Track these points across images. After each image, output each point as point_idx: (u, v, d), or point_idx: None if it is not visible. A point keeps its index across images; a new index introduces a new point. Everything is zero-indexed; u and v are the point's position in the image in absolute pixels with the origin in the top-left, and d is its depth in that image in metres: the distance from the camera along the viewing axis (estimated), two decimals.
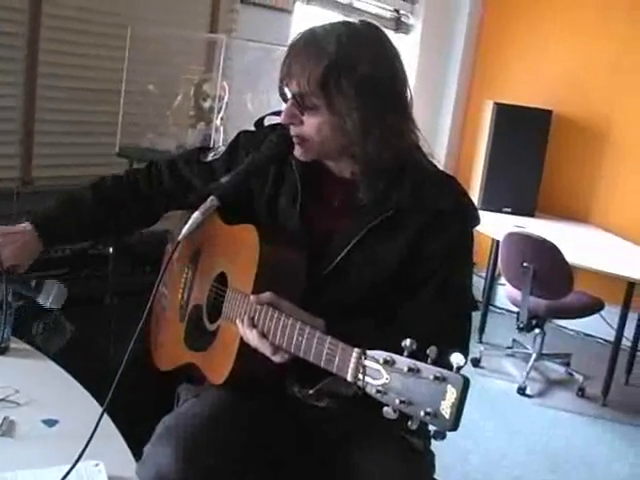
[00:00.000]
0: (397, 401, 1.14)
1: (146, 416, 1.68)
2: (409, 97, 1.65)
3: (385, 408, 1.16)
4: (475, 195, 5.42)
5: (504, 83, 5.83)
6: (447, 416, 1.11)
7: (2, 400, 1.59)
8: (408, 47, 5.56)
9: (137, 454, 1.51)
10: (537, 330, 4.59)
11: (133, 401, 1.97)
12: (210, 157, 1.86)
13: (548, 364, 4.82)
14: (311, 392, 1.56)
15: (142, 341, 1.89)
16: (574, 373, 4.67)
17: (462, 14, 5.85)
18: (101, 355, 1.79)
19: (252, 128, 1.85)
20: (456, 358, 1.11)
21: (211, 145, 3.10)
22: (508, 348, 5.00)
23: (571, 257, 4.13)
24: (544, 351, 4.74)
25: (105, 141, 3.32)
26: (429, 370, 1.12)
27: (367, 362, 1.21)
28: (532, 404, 4.37)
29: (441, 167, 1.73)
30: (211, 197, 1.57)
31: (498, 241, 4.55)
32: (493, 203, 5.32)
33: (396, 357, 1.17)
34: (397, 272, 1.62)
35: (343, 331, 1.37)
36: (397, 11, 5.42)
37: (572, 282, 4.19)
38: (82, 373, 1.75)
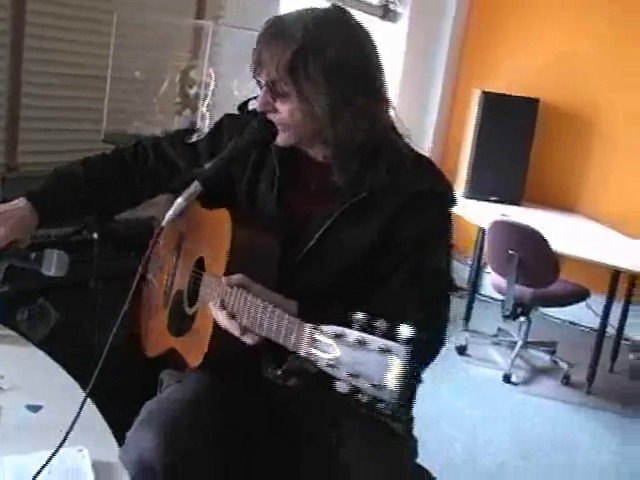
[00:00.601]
0: (345, 374, 1.14)
1: (131, 402, 1.68)
2: (382, 78, 1.65)
3: (337, 382, 1.16)
4: (462, 183, 5.43)
5: (491, 72, 5.83)
6: (392, 387, 1.10)
7: None
8: (395, 35, 5.55)
9: (121, 440, 1.52)
10: (522, 318, 4.62)
11: (118, 387, 1.97)
12: (194, 138, 1.88)
13: (533, 352, 4.85)
14: (279, 372, 1.56)
15: (127, 327, 1.89)
16: (559, 361, 4.69)
17: (450, 3, 5.84)
18: (86, 340, 1.79)
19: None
20: (404, 329, 1.10)
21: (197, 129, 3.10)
22: (494, 336, 5.02)
23: (557, 245, 4.15)
24: (529, 339, 4.76)
25: (91, 127, 3.30)
26: (375, 342, 1.12)
27: (319, 337, 1.20)
28: (517, 392, 4.39)
29: (427, 153, 1.73)
30: (195, 183, 1.58)
31: (484, 229, 4.56)
32: (480, 192, 5.34)
33: (346, 330, 1.16)
34: (370, 255, 1.62)
35: (314, 313, 1.38)
36: None
37: (557, 270, 4.21)
38: (67, 359, 1.75)
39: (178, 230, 1.87)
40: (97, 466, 1.38)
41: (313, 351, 1.21)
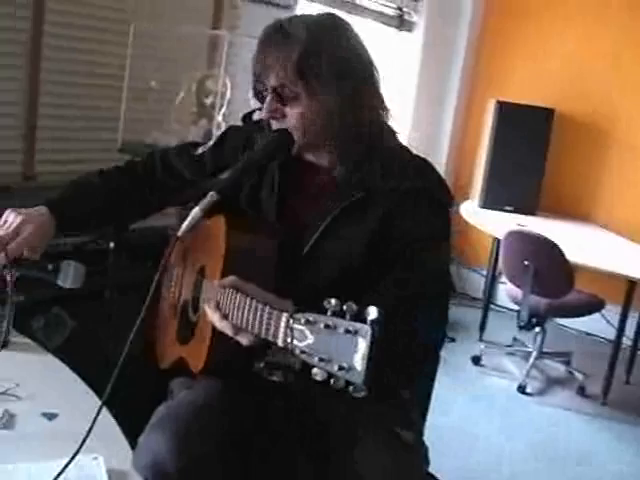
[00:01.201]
0: (317, 360, 1.14)
1: (145, 411, 1.69)
2: (378, 76, 1.69)
3: (313, 369, 1.15)
4: (477, 193, 5.42)
5: (506, 81, 5.82)
6: (359, 368, 1.09)
7: (2, 393, 1.59)
8: (411, 45, 5.57)
9: (134, 446, 1.52)
10: (538, 328, 4.59)
11: (131, 396, 1.97)
12: (200, 150, 1.90)
13: (548, 362, 4.82)
14: (261, 365, 1.57)
15: (142, 336, 1.90)
16: (574, 372, 4.67)
17: (465, 12, 5.85)
18: (101, 350, 1.80)
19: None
20: (371, 311, 1.09)
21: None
22: (508, 346, 5.00)
23: (572, 256, 4.13)
24: (544, 349, 4.73)
25: (107, 137, 3.33)
26: (343, 325, 1.12)
27: (294, 325, 1.20)
28: (532, 402, 4.37)
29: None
30: (211, 193, 1.58)
31: (499, 240, 4.55)
32: (495, 201, 5.33)
33: (318, 317, 1.16)
34: (367, 255, 1.63)
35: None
36: (400, 9, 5.42)
37: (573, 281, 4.19)
38: (82, 367, 1.76)
39: (183, 242, 1.89)
40: (112, 474, 1.39)
41: (289, 340, 1.21)
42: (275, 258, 1.63)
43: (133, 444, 1.53)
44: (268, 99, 1.62)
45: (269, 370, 1.58)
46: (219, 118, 3.18)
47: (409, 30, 5.56)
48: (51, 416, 1.57)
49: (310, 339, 1.16)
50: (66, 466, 1.30)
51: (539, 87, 5.62)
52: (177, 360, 1.81)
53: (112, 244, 1.63)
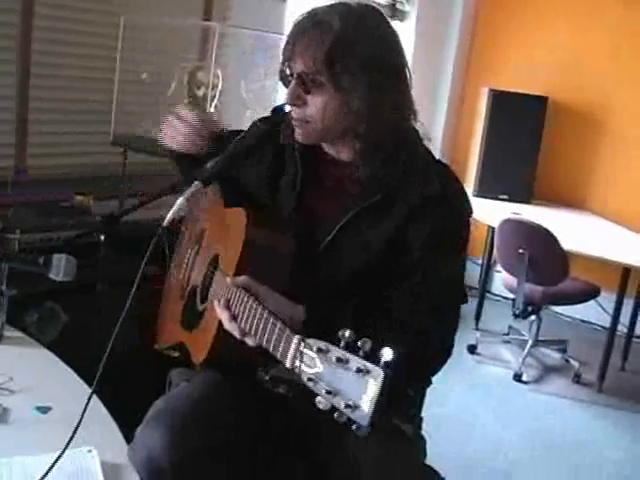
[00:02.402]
0: (324, 391, 1.13)
1: (141, 402, 1.69)
2: (409, 77, 1.66)
3: (317, 397, 1.14)
4: (471, 182, 5.41)
5: (500, 70, 5.82)
6: (366, 410, 1.08)
7: None
8: (404, 34, 5.54)
9: (130, 440, 1.52)
10: (533, 317, 4.60)
11: (128, 387, 1.98)
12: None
13: (544, 350, 4.83)
14: (267, 378, 1.56)
15: (140, 328, 1.90)
16: (570, 359, 4.67)
17: (458, 1, 5.83)
18: (94, 343, 1.79)
19: (249, 116, 1.87)
20: (385, 352, 1.08)
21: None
22: (504, 335, 5.01)
23: (567, 243, 4.14)
24: (540, 337, 4.74)
25: (100, 130, 3.32)
26: (355, 362, 1.10)
27: (305, 350, 1.19)
28: (528, 390, 4.38)
29: (436, 152, 1.73)
30: (195, 182, 1.58)
31: (494, 228, 4.55)
32: (489, 190, 5.33)
33: (330, 347, 1.14)
34: (383, 257, 1.61)
35: (321, 319, 1.38)
36: None
37: (567, 268, 4.20)
38: (76, 361, 1.76)
39: (201, 226, 1.90)
40: (106, 467, 1.39)
41: (297, 363, 1.20)
42: (291, 256, 1.62)
43: (131, 436, 1.53)
44: (292, 84, 1.58)
45: (273, 383, 1.57)
46: (211, 109, 3.17)
47: (402, 19, 5.55)
48: (45, 409, 1.58)
49: (319, 368, 1.15)
50: (58, 458, 1.30)
51: (532, 75, 5.62)
52: (177, 344, 1.81)
53: (102, 237, 1.62)
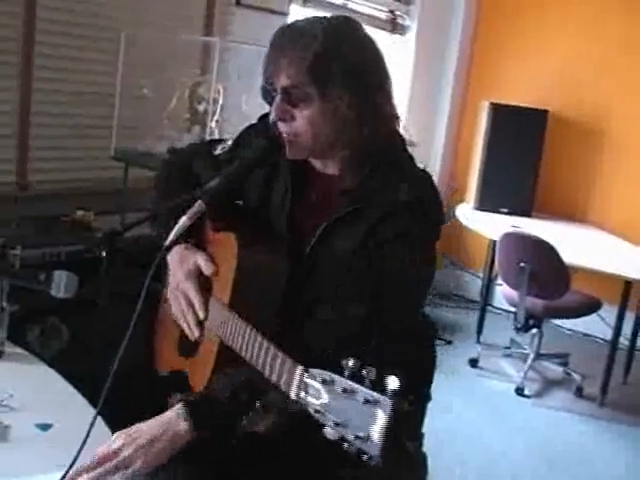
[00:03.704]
0: (332, 422, 1.12)
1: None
2: (391, 82, 1.65)
3: (325, 428, 1.13)
4: (472, 195, 5.41)
5: (500, 83, 5.83)
6: (376, 441, 1.06)
7: None
8: (404, 48, 5.57)
9: None
10: (535, 330, 4.59)
11: (132, 406, 1.96)
12: (219, 150, 1.86)
13: (546, 364, 4.81)
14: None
15: (146, 346, 1.89)
16: (572, 373, 4.66)
17: (457, 14, 5.86)
18: (96, 359, 1.79)
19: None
20: (391, 382, 1.07)
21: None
22: (506, 348, 4.99)
23: (568, 257, 4.13)
24: (542, 351, 4.73)
25: (100, 145, 3.33)
26: (362, 393, 1.09)
27: (309, 380, 1.18)
28: (530, 404, 4.36)
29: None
30: (198, 202, 1.56)
31: (495, 241, 4.55)
32: (490, 203, 5.32)
33: (335, 377, 1.13)
34: (353, 269, 1.58)
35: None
36: (392, 12, 5.43)
37: (569, 282, 4.19)
38: (78, 377, 1.75)
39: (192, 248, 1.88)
40: None
41: (302, 395, 1.19)
42: (284, 277, 1.60)
43: None
44: (277, 99, 1.56)
45: (263, 412, 1.55)
46: (212, 124, 3.17)
47: (402, 34, 5.57)
48: (45, 427, 1.57)
49: (325, 399, 1.14)
50: (63, 477, 1.30)
51: (532, 89, 5.63)
52: (177, 371, 1.79)
53: (104, 252, 1.61)
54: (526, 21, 5.71)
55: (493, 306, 5.75)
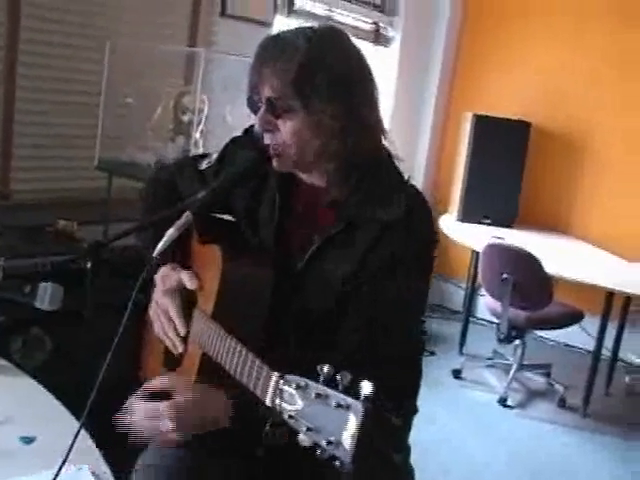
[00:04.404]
0: (304, 428, 1.10)
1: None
2: (377, 94, 1.64)
3: (299, 435, 1.11)
4: (455, 206, 5.43)
5: (483, 95, 5.86)
6: (347, 447, 1.04)
7: None
8: (387, 59, 5.59)
9: (117, 472, 1.50)
10: (517, 341, 4.61)
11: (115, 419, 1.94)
12: (204, 165, 1.85)
13: (529, 375, 4.83)
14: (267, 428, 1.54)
15: (131, 359, 1.88)
16: (555, 383, 4.68)
17: (441, 26, 5.88)
18: (81, 371, 1.78)
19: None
20: (365, 386, 1.04)
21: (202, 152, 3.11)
22: (489, 359, 5.00)
23: (550, 268, 4.15)
24: (525, 362, 4.74)
25: (84, 154, 3.31)
26: (335, 397, 1.07)
27: (284, 387, 1.16)
28: (513, 415, 4.38)
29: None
30: (186, 213, 1.55)
31: (478, 252, 4.56)
32: (473, 214, 5.34)
33: (310, 382, 1.11)
34: (350, 284, 1.57)
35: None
36: (376, 24, 5.45)
37: (551, 293, 4.21)
38: (61, 389, 1.74)
39: (176, 262, 1.86)
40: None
41: (277, 401, 1.17)
42: (269, 290, 1.59)
43: (118, 468, 1.51)
44: (261, 110, 1.55)
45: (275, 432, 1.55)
46: (196, 135, 3.17)
47: (385, 45, 5.59)
48: (29, 440, 1.55)
49: (299, 405, 1.12)
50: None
51: (515, 100, 5.66)
52: None
53: (89, 264, 1.61)
54: (510, 33, 5.75)
55: (476, 317, 5.77)
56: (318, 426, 1.08)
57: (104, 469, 1.48)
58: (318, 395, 1.09)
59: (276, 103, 1.53)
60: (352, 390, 1.06)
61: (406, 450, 1.69)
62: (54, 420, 1.63)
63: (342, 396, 1.06)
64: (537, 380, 4.81)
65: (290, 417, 1.13)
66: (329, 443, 1.06)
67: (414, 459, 1.74)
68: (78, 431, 1.40)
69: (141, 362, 1.95)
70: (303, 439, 1.10)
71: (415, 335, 1.61)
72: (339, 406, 1.06)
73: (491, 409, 4.40)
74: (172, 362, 1.73)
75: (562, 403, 4.53)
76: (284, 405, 1.15)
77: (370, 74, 1.63)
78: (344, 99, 1.54)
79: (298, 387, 1.13)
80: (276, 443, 1.47)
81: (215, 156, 1.84)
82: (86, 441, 1.54)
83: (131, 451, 1.60)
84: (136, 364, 1.91)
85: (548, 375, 4.79)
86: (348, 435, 1.04)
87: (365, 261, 1.56)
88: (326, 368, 1.10)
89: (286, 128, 1.55)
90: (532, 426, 4.26)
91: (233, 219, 1.80)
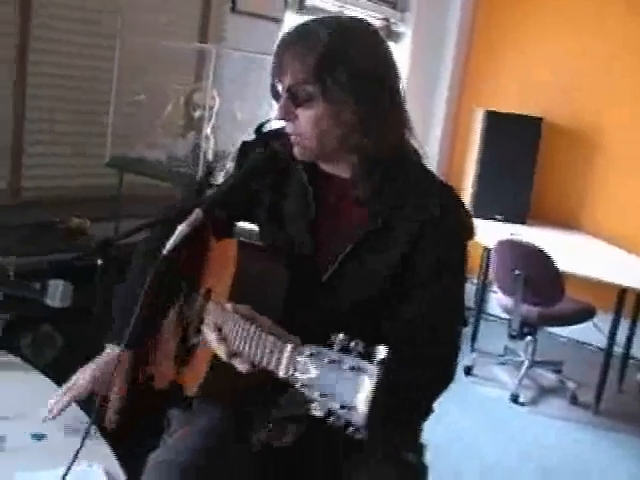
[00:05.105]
0: (318, 395, 1.09)
1: (142, 435, 1.68)
2: (403, 91, 1.63)
3: (312, 404, 1.10)
4: (466, 203, 5.39)
5: (494, 91, 5.84)
6: (361, 409, 1.04)
7: None
8: (398, 55, 5.56)
9: (127, 469, 1.50)
10: (529, 337, 4.59)
11: (126, 416, 1.95)
12: (221, 178, 1.84)
13: (540, 371, 4.81)
14: (269, 427, 1.54)
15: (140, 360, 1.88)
16: (566, 380, 4.66)
17: (452, 22, 5.86)
18: None
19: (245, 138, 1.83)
20: (380, 350, 1.05)
21: (202, 159, 3.11)
22: (500, 356, 4.99)
23: (562, 264, 4.13)
24: (536, 358, 4.73)
25: (95, 152, 3.32)
26: (348, 361, 1.07)
27: (298, 357, 1.16)
28: (525, 412, 4.36)
29: (434, 170, 1.70)
30: (196, 210, 1.55)
31: (490, 249, 4.54)
32: (484, 211, 5.31)
33: (324, 350, 1.11)
34: (389, 284, 1.58)
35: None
36: (387, 20, 5.43)
37: (563, 289, 4.19)
38: None
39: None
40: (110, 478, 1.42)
41: (291, 372, 1.17)
42: (285, 285, 1.58)
43: (128, 466, 1.51)
44: (282, 99, 1.55)
45: (279, 429, 1.54)
46: (207, 131, 3.17)
47: (396, 41, 5.57)
48: (40, 436, 1.56)
49: (313, 373, 1.11)
50: (66, 473, 1.30)
51: (527, 96, 5.64)
52: (172, 382, 1.78)
53: (99, 261, 1.61)
54: (521, 28, 5.72)
55: (488, 313, 5.75)
56: (332, 391, 1.08)
57: (115, 466, 1.49)
58: (332, 361, 1.09)
59: (296, 91, 1.53)
60: (366, 356, 1.06)
61: (420, 449, 1.69)
62: (65, 416, 1.64)
63: (355, 359, 1.06)
64: (549, 377, 4.79)
65: (303, 385, 1.12)
66: (342, 407, 1.06)
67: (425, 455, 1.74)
68: (89, 428, 1.40)
69: (153, 365, 1.95)
70: (316, 408, 1.09)
71: (456, 336, 1.61)
72: (352, 369, 1.05)
73: (502, 406, 4.38)
74: (183, 359, 1.73)
75: (574, 400, 4.50)
76: (297, 375, 1.14)
77: (394, 69, 1.61)
78: (366, 93, 1.52)
79: (312, 355, 1.13)
80: (278, 440, 1.48)
81: (231, 164, 1.82)
82: (97, 438, 1.55)
83: (143, 449, 1.60)
84: (144, 359, 1.91)
85: (560, 372, 4.78)
86: (362, 397, 1.04)
87: (408, 259, 1.57)
88: (340, 336, 1.10)
89: (306, 117, 1.54)
90: (544, 423, 4.25)
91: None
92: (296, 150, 1.61)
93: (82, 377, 1.69)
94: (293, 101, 1.54)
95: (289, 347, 1.21)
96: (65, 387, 1.68)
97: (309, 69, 1.50)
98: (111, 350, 1.75)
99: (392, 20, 5.47)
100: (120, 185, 3.28)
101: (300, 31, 1.56)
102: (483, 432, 4.01)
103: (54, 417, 1.61)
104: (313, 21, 1.58)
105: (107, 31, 3.27)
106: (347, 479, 1.58)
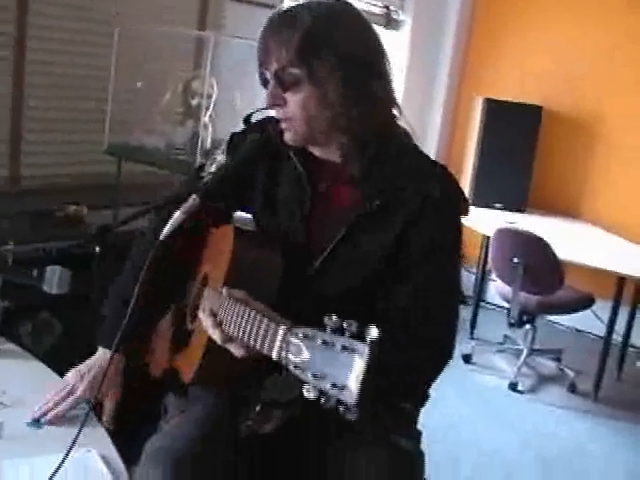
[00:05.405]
0: (310, 376, 1.09)
1: (138, 423, 1.68)
2: (389, 69, 1.62)
3: (305, 386, 1.10)
4: (466, 191, 5.38)
5: (494, 79, 5.82)
6: (353, 388, 1.03)
7: None
8: (398, 43, 5.56)
9: (124, 457, 1.50)
10: (528, 326, 4.59)
11: (123, 403, 1.95)
12: (213, 168, 1.83)
13: (539, 360, 4.83)
14: (258, 409, 1.54)
15: (138, 347, 1.88)
16: (565, 369, 4.67)
17: (452, 10, 5.84)
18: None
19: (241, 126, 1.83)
20: (371, 331, 1.04)
21: (200, 147, 3.11)
22: (499, 344, 5.00)
23: (562, 252, 4.13)
24: (535, 347, 4.74)
25: (93, 139, 3.31)
26: (340, 341, 1.07)
27: (291, 338, 1.16)
28: (524, 400, 4.37)
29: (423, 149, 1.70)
30: (193, 196, 1.55)
31: (489, 237, 4.54)
32: (484, 199, 5.32)
33: (317, 332, 1.11)
34: (383, 266, 1.58)
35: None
36: (387, 7, 5.42)
37: (562, 278, 4.19)
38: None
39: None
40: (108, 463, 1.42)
41: (283, 354, 1.17)
42: (280, 271, 1.58)
43: (126, 453, 1.51)
44: (270, 85, 1.55)
45: (265, 413, 1.54)
46: (205, 119, 3.16)
47: (396, 28, 5.55)
48: (38, 424, 1.56)
49: (305, 355, 1.11)
50: (63, 460, 1.32)
51: (527, 85, 5.63)
52: (168, 368, 1.78)
53: (97, 248, 1.61)
54: (521, 16, 5.70)
55: (486, 302, 5.76)
56: (324, 372, 1.07)
57: (113, 452, 1.49)
58: (324, 342, 1.09)
59: (283, 76, 1.53)
60: (359, 335, 1.06)
61: (417, 435, 1.69)
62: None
63: (347, 339, 1.06)
64: (548, 365, 4.81)
65: (296, 367, 1.12)
66: (334, 386, 1.05)
67: (424, 443, 1.74)
68: (87, 415, 1.40)
69: (149, 352, 1.95)
70: (309, 389, 1.09)
71: (452, 317, 1.61)
72: (345, 349, 1.05)
73: (501, 394, 4.39)
74: (179, 345, 1.73)
75: (573, 388, 4.51)
76: (290, 356, 1.14)
77: (380, 50, 1.61)
78: (352, 75, 1.52)
79: (305, 337, 1.13)
80: (262, 426, 1.48)
81: (222, 157, 1.81)
82: (95, 425, 1.55)
83: (140, 435, 1.60)
84: (143, 347, 1.91)
85: (559, 360, 4.78)
86: (354, 377, 1.04)
87: (403, 240, 1.57)
88: (334, 318, 1.09)
89: (294, 101, 1.55)
90: (543, 411, 4.26)
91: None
92: (287, 136, 1.61)
93: (81, 388, 1.68)
94: (281, 86, 1.55)
95: (282, 329, 1.21)
96: (62, 392, 1.67)
97: (294, 52, 1.50)
98: (103, 354, 1.75)
99: (392, 8, 5.46)
100: (118, 173, 3.27)
101: (283, 16, 1.56)
102: (482, 420, 4.02)
103: (50, 422, 1.60)
104: (297, 5, 1.58)
105: (106, 18, 3.26)
106: (340, 460, 1.58)
